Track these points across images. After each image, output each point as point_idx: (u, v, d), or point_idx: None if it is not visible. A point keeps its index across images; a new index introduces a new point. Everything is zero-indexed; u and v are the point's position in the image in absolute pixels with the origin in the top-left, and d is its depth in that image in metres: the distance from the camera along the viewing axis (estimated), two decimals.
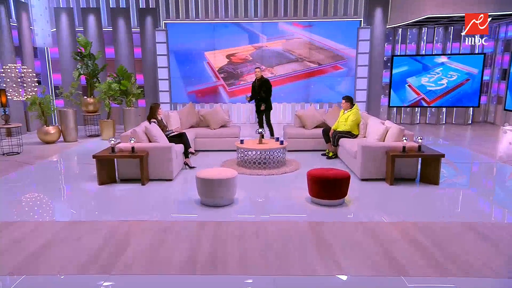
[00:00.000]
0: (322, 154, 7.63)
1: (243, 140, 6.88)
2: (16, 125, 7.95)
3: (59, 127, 9.27)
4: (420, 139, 5.58)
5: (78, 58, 9.86)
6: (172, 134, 6.89)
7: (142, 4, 11.82)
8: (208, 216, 4.58)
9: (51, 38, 11.37)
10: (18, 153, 7.94)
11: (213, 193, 4.80)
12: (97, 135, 10.08)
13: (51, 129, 8.96)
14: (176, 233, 4.07)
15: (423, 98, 11.75)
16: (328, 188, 4.76)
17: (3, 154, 7.78)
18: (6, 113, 7.86)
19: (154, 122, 6.72)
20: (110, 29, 11.72)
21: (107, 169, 5.87)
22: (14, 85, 8.22)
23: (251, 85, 8.74)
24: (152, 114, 6.84)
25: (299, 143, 7.97)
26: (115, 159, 5.89)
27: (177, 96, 12.08)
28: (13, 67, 8.31)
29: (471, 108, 11.95)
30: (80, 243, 3.83)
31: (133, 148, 5.72)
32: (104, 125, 9.57)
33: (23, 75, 8.37)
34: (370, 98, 11.99)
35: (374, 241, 3.83)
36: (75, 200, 5.23)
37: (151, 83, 11.93)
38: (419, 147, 5.60)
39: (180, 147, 6.49)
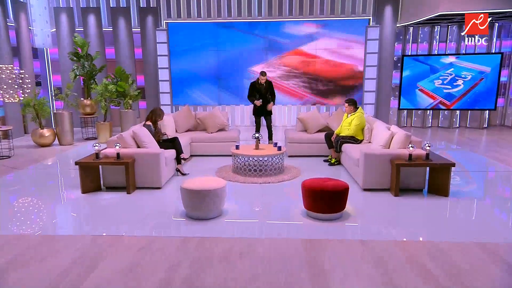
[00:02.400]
0: (325, 160, 7.17)
1: (238, 145, 6.47)
2: (7, 128, 7.67)
3: (54, 129, 8.99)
4: (428, 146, 5.09)
5: (75, 59, 9.58)
6: (164, 138, 6.51)
7: (143, 3, 11.51)
8: (191, 231, 4.18)
9: (50, 39, 11.15)
10: (9, 156, 7.68)
11: (199, 205, 4.39)
12: (95, 138, 9.79)
13: (46, 132, 8.69)
14: (153, 252, 3.67)
15: (441, 102, 11.16)
16: (325, 201, 4.32)
17: None
18: None
19: (150, 126, 6.35)
20: (110, 29, 11.44)
21: (92, 176, 5.52)
22: (5, 86, 7.94)
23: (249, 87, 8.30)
24: (153, 117, 6.45)
25: (301, 148, 7.52)
26: (100, 166, 5.55)
27: (179, 98, 11.74)
28: (3, 67, 8.04)
29: (487, 110, 11.33)
30: (45, 263, 3.45)
31: (118, 154, 5.36)
32: (100, 127, 9.27)
33: (14, 76, 8.09)
34: (379, 100, 11.46)
35: (374, 265, 3.37)
36: (53, 211, 4.88)
37: (152, 84, 11.61)
38: (427, 155, 5.10)
39: (171, 153, 6.10)
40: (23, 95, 8.32)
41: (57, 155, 8.03)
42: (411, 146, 5.06)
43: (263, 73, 7.99)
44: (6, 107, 9.44)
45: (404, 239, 3.93)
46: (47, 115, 8.68)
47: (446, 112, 11.60)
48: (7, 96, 7.98)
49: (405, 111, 11.73)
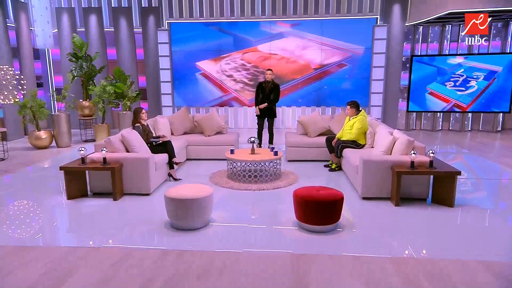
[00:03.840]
0: (325, 166, 6.85)
1: (233, 149, 6.18)
2: (1, 130, 7.53)
3: (51, 131, 8.84)
4: (432, 153, 4.73)
5: (74, 59, 9.43)
6: (156, 142, 6.27)
7: (144, 3, 11.33)
8: (173, 243, 3.92)
9: (52, 39, 11.03)
10: (3, 159, 7.54)
11: (183, 215, 4.13)
12: (94, 140, 9.62)
13: (43, 134, 8.55)
14: (128, 266, 3.42)
15: (456, 105, 10.69)
16: (317, 211, 4.01)
17: None
18: None
19: (139, 127, 6.15)
20: (112, 29, 11.29)
21: (78, 182, 5.31)
22: None
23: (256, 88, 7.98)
24: (135, 118, 6.26)
25: (301, 152, 7.21)
26: (86, 171, 5.33)
27: (179, 100, 11.53)
28: None
29: (501, 113, 10.82)
30: (11, 278, 3.23)
31: (104, 159, 5.13)
32: (98, 129, 9.10)
33: (8, 77, 7.93)
34: (386, 102, 11.06)
35: (365, 285, 3.06)
36: (32, 219, 4.64)
37: (154, 85, 11.42)
38: (431, 162, 4.75)
39: (162, 157, 5.86)
40: (22, 97, 8.16)
41: (52, 157, 7.86)
42: (413, 153, 4.71)
43: (268, 69, 7.75)
44: (4, 109, 9.34)
45: (401, 255, 3.60)
46: (44, 117, 8.50)
47: (457, 114, 11.14)
48: (1, 97, 7.83)
49: (414, 114, 11.30)
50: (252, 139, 6.19)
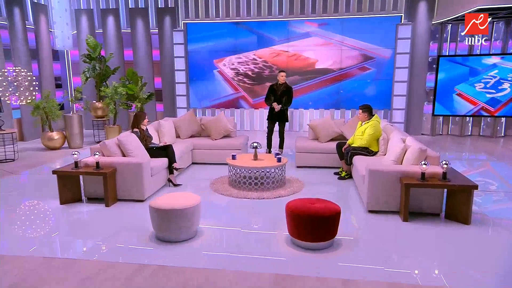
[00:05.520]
0: (335, 173, 6.42)
1: (235, 155, 5.88)
2: (11, 131, 7.57)
3: (64, 132, 8.86)
4: (446, 164, 4.24)
5: (88, 60, 9.44)
6: (155, 146, 6.06)
7: (161, 4, 11.24)
8: (153, 256, 3.65)
9: (71, 41, 11.14)
10: (13, 160, 7.58)
11: (167, 226, 3.87)
12: None
13: (55, 135, 8.57)
14: (99, 282, 3.18)
15: (483, 108, 9.95)
16: (310, 227, 3.65)
17: None
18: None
19: (137, 132, 5.96)
20: (129, 30, 11.27)
21: (72, 186, 5.17)
22: (11, 89, 7.86)
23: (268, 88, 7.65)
24: (136, 122, 6.08)
25: (311, 158, 6.82)
26: (81, 176, 5.18)
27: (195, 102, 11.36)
28: (11, 70, 7.98)
29: None
30: None
31: (97, 163, 4.96)
32: (109, 131, 9.04)
33: (20, 78, 7.98)
34: (410, 105, 10.43)
35: None
36: (17, 224, 4.48)
37: (170, 86, 11.31)
38: (444, 174, 4.26)
39: (160, 162, 5.63)
40: (29, 99, 8.19)
41: (61, 159, 7.84)
42: (424, 163, 4.24)
43: (281, 71, 7.40)
44: (22, 109, 9.47)
45: (403, 280, 3.17)
46: (57, 117, 8.51)
47: (489, 119, 10.35)
48: (13, 98, 7.89)
49: (441, 118, 10.60)
50: (255, 144, 5.86)
